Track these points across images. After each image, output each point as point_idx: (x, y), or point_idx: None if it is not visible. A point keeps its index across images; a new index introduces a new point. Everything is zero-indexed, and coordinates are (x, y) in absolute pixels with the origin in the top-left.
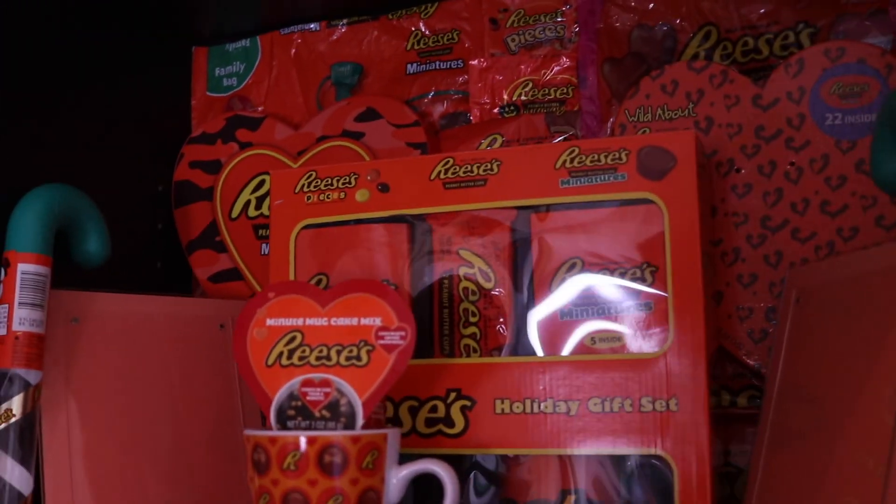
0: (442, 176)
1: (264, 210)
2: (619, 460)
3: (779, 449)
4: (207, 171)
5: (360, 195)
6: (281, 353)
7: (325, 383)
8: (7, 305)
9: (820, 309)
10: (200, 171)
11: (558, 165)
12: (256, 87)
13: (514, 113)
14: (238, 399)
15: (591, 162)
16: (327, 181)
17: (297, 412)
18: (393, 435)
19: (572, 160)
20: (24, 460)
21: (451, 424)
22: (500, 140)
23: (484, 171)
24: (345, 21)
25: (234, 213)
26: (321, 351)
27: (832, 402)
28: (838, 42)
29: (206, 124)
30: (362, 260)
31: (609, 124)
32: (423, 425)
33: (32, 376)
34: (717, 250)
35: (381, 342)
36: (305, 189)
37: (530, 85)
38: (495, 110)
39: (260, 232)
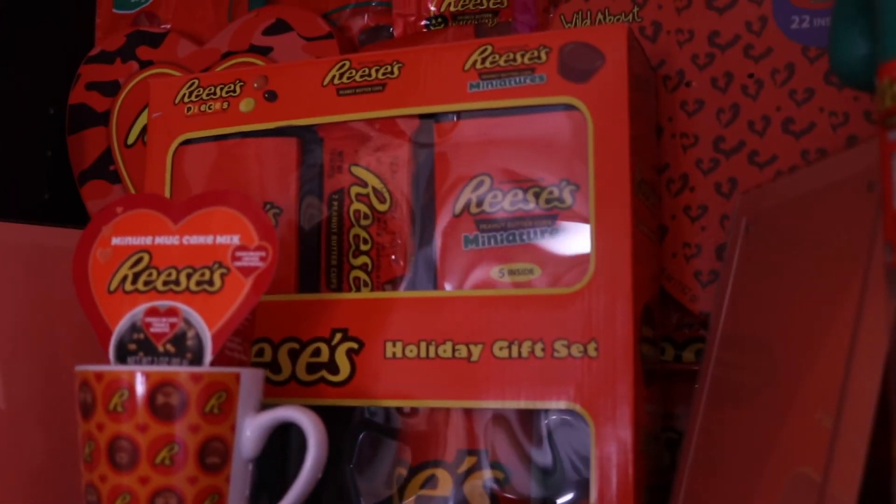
0: (336, 81)
1: None
2: (530, 416)
3: (720, 406)
4: (105, 93)
5: (245, 105)
6: (125, 277)
7: (172, 312)
8: None
9: (772, 239)
10: (97, 93)
11: (468, 67)
12: (165, 3)
13: (442, 25)
14: None
15: (506, 62)
16: (210, 90)
17: (139, 346)
18: (250, 376)
19: (484, 60)
20: None
21: (336, 371)
22: None
23: (383, 74)
24: None
25: (131, 140)
26: (169, 274)
27: (782, 350)
28: None
29: (106, 42)
30: (245, 179)
31: None
32: (304, 372)
33: None
34: (662, 178)
35: (238, 264)
36: (186, 100)
37: None
38: (421, 23)
39: None
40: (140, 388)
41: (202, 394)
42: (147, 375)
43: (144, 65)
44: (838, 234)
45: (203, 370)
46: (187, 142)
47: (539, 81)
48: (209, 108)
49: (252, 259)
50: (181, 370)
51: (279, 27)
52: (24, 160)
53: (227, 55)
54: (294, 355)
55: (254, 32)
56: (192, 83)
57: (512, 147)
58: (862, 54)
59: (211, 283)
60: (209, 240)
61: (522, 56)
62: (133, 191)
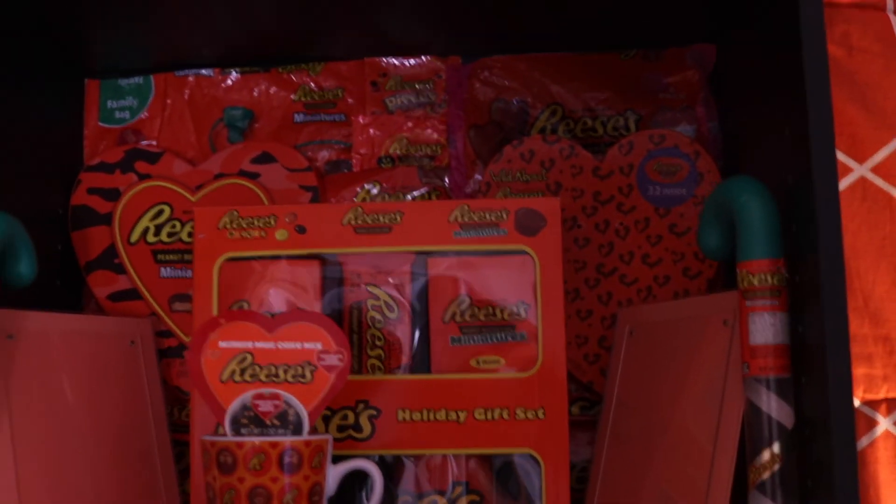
0: (353, 222)
1: (163, 237)
2: (490, 458)
3: (616, 449)
4: (106, 198)
5: (280, 234)
6: (234, 371)
7: (275, 396)
8: None
9: (647, 341)
10: (99, 197)
11: (451, 219)
12: (150, 123)
13: (391, 164)
14: (148, 410)
15: (479, 218)
16: (249, 220)
17: (249, 421)
18: (330, 440)
19: (463, 216)
20: None
21: (360, 430)
22: (378, 187)
23: (389, 220)
24: (237, 70)
25: (133, 238)
26: (270, 370)
27: (656, 414)
28: (660, 130)
29: (105, 154)
30: (279, 290)
31: (473, 180)
32: (335, 431)
33: None
34: None
35: (323, 363)
36: (228, 226)
37: (405, 141)
38: (374, 160)
39: (158, 256)
40: (272, 452)
41: (311, 454)
42: (276, 444)
43: (143, 177)
44: (702, 351)
45: (311, 438)
46: (230, 259)
47: (502, 234)
48: (249, 235)
49: (333, 360)
50: (298, 439)
51: (265, 158)
52: (40, 254)
53: (219, 176)
54: (326, 419)
55: (243, 160)
56: (233, 213)
57: (484, 276)
58: (716, 244)
59: (304, 376)
60: (298, 345)
61: (490, 215)
62: (138, 281)
